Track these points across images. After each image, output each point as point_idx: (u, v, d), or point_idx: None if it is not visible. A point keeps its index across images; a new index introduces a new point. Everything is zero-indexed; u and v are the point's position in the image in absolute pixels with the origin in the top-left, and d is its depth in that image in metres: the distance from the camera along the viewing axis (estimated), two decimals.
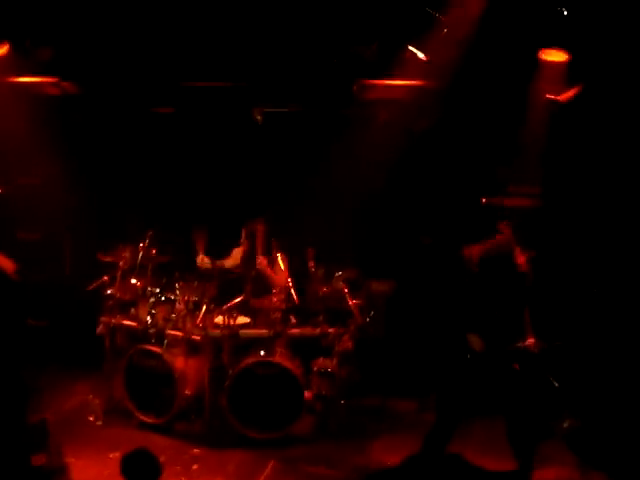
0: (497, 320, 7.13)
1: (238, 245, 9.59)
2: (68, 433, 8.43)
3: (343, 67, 9.10)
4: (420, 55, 8.60)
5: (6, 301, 8.29)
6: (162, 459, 6.00)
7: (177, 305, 8.87)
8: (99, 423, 8.95)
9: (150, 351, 8.79)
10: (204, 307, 8.69)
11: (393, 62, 8.86)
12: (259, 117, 10.20)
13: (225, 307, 8.74)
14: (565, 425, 8.66)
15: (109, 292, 9.13)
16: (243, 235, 9.47)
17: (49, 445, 7.70)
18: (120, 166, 10.88)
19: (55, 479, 7.60)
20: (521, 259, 7.22)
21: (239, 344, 8.77)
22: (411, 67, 8.84)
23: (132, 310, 9.18)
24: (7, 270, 8.35)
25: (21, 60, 9.52)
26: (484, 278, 7.15)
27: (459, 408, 7.37)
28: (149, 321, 8.90)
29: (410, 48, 8.64)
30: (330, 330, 8.74)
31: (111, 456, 8.02)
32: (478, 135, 9.66)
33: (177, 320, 8.86)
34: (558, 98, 8.84)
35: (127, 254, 9.14)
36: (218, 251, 9.64)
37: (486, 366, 7.15)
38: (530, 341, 7.06)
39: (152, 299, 8.94)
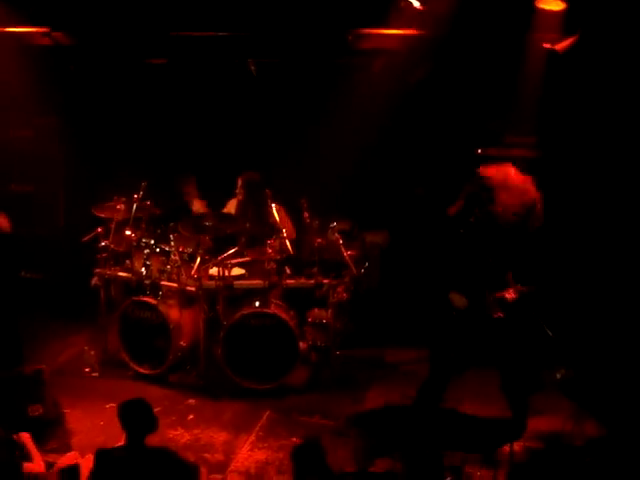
0: (481, 274, 7.09)
1: (233, 196, 9.57)
2: (64, 384, 8.53)
3: (338, 16, 9.00)
4: (415, 4, 8.50)
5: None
6: (158, 409, 6.09)
7: (172, 256, 8.85)
8: (95, 374, 9.00)
9: (145, 302, 8.81)
10: (199, 258, 8.68)
11: (388, 11, 8.77)
12: (253, 67, 10.10)
13: (220, 258, 8.73)
14: (558, 375, 8.72)
15: (103, 244, 9.12)
16: (238, 186, 9.44)
17: (45, 396, 7.77)
18: (114, 117, 10.80)
19: (51, 429, 7.68)
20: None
21: (234, 295, 8.80)
22: (406, 16, 8.75)
23: (127, 262, 9.16)
24: (1, 225, 8.33)
25: (11, 10, 9.42)
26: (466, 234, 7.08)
27: (451, 361, 7.40)
28: (144, 273, 8.91)
29: None
30: (325, 281, 8.72)
31: (107, 407, 8.09)
32: (474, 85, 9.59)
33: (172, 271, 8.86)
34: (555, 47, 8.76)
35: (121, 206, 9.12)
36: (212, 201, 9.65)
37: (473, 320, 7.14)
38: (509, 290, 7.03)
39: (147, 250, 8.92)
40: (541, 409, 7.76)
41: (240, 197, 9.46)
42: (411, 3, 8.54)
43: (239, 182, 9.42)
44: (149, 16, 9.40)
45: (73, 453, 6.66)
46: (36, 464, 6.33)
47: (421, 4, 8.52)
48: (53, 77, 10.49)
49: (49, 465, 6.37)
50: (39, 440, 7.08)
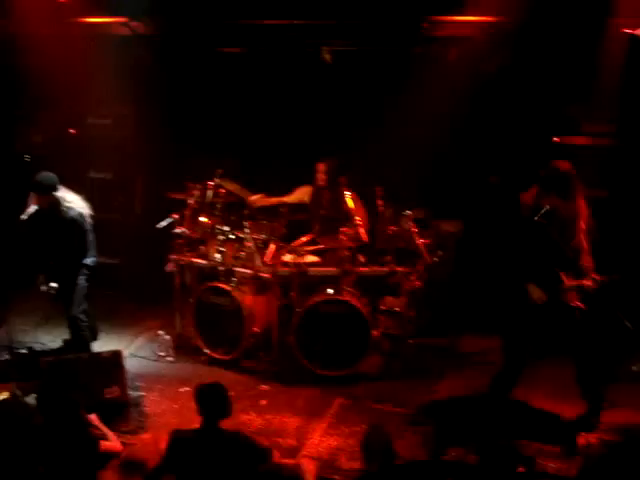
0: (557, 262, 7.01)
1: (303, 183, 9.59)
2: (139, 368, 8.68)
3: (413, 3, 8.95)
4: None
5: (79, 238, 8.41)
6: (231, 394, 6.10)
7: (246, 243, 8.93)
8: (169, 359, 9.12)
9: (219, 288, 8.88)
10: (273, 245, 8.72)
11: None
12: (328, 56, 10.10)
13: (294, 245, 8.76)
14: (635, 368, 8.58)
15: (179, 230, 9.23)
16: (316, 173, 9.45)
17: (121, 378, 7.91)
18: (190, 106, 10.89)
19: (127, 411, 7.81)
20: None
21: (307, 282, 8.83)
22: (483, 3, 8.67)
23: (201, 248, 9.27)
24: (82, 211, 8.44)
25: (90, 1, 9.59)
26: (539, 223, 7.00)
27: (525, 352, 7.33)
28: (218, 259, 8.99)
29: None
30: (398, 269, 8.72)
31: (181, 390, 8.22)
32: (551, 72, 9.44)
33: (246, 258, 8.94)
34: (635, 32, 8.59)
35: (197, 192, 9.22)
36: (282, 188, 9.67)
37: (550, 311, 7.07)
38: (587, 279, 6.95)
39: (221, 237, 8.99)
40: (617, 401, 7.65)
41: (316, 184, 9.47)
42: None
43: (316, 168, 9.43)
44: (225, 5, 9.49)
45: (147, 435, 6.78)
46: (113, 443, 6.47)
47: None
48: (130, 66, 10.62)
49: (124, 445, 6.50)
50: (115, 421, 7.28)
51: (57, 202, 8.21)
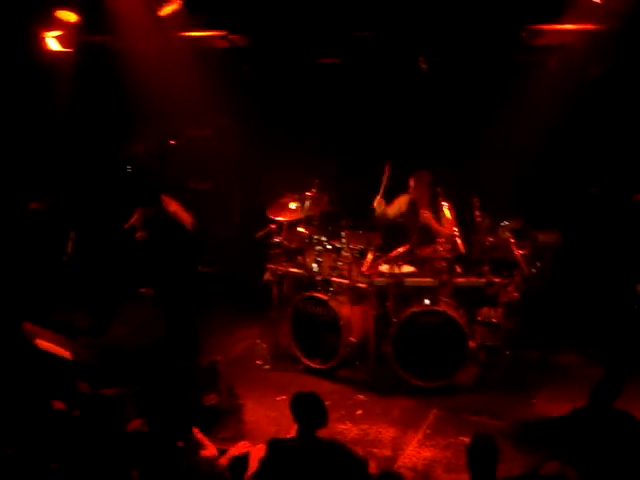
0: None
1: (404, 193, 9.58)
2: (237, 376, 8.79)
3: (511, 12, 8.87)
4: None
5: (182, 250, 8.60)
6: (327, 403, 6.11)
7: (343, 253, 8.98)
8: (266, 367, 9.24)
9: (316, 298, 8.96)
10: (370, 255, 8.75)
11: (564, 5, 8.57)
12: (425, 66, 10.08)
13: (390, 255, 8.77)
14: None
15: (276, 240, 9.35)
16: (410, 184, 9.44)
17: (220, 386, 8.02)
18: (287, 116, 11.00)
19: (225, 419, 7.92)
20: None
21: (404, 292, 8.83)
22: (583, 10, 8.52)
23: (299, 258, 9.37)
24: (185, 222, 8.66)
25: (192, 15, 9.76)
26: None
27: (628, 362, 7.19)
28: (315, 269, 9.07)
29: None
30: (496, 280, 8.66)
31: (278, 399, 8.32)
32: None
33: (343, 268, 8.99)
34: None
35: (294, 203, 9.30)
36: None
37: None
38: None
39: (318, 247, 9.09)
40: None
41: (412, 195, 9.47)
42: None
43: (411, 181, 9.43)
44: (322, 17, 9.55)
45: (244, 442, 6.85)
46: (209, 450, 6.55)
47: None
48: (229, 78, 10.79)
49: (221, 452, 6.58)
50: (213, 428, 7.39)
51: (160, 212, 8.42)
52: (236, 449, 6.64)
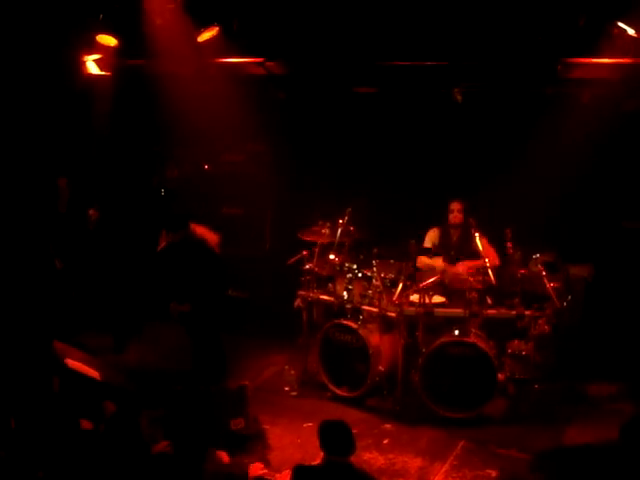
0: None
1: (433, 227, 9.59)
2: (264, 401, 8.79)
3: (547, 44, 8.88)
4: (630, 31, 8.27)
5: (209, 271, 8.65)
6: (354, 432, 6.08)
7: (374, 282, 8.98)
8: (294, 394, 9.23)
9: (346, 326, 8.96)
10: (400, 284, 8.74)
11: (600, 39, 8.57)
12: (459, 97, 10.10)
13: (421, 285, 8.76)
14: None
15: (307, 267, 9.37)
16: (448, 212, 9.44)
17: (247, 411, 8.02)
18: (321, 144, 11.07)
19: (251, 444, 7.90)
20: None
21: (433, 323, 8.81)
22: (619, 44, 8.51)
23: (329, 285, 9.38)
24: (212, 242, 8.74)
25: (229, 42, 9.86)
26: None
27: None
28: (346, 296, 9.07)
29: (619, 24, 8.33)
30: (526, 312, 8.60)
31: (304, 426, 8.30)
32: None
33: (373, 296, 8.99)
34: None
35: (326, 230, 9.34)
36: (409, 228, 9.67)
37: None
38: None
39: (349, 275, 9.09)
40: None
41: (446, 224, 9.50)
42: (625, 30, 8.31)
43: (451, 208, 9.44)
44: (358, 46, 9.61)
45: (258, 464, 6.87)
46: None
47: (636, 31, 8.27)
48: (264, 105, 10.88)
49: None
50: (239, 453, 7.38)
51: (188, 236, 8.52)
52: (252, 471, 6.66)
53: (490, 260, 8.80)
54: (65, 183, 10.46)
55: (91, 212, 10.71)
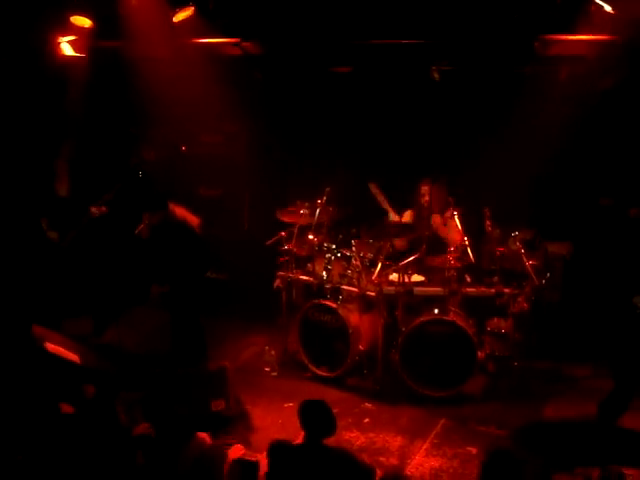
0: None
1: (413, 203, 9.60)
2: (244, 382, 8.80)
3: (524, 21, 8.86)
4: (607, 8, 8.26)
5: (192, 253, 8.62)
6: (334, 411, 6.09)
7: (353, 261, 8.98)
8: (274, 374, 9.25)
9: (325, 306, 8.96)
10: (379, 264, 8.74)
11: (577, 16, 8.56)
12: (436, 75, 10.08)
13: (400, 264, 8.76)
14: None
15: (286, 248, 9.35)
16: (419, 193, 9.45)
17: (228, 392, 8.02)
18: (298, 124, 11.03)
19: (233, 424, 7.91)
20: None
21: (413, 302, 8.83)
22: (596, 21, 8.50)
23: (308, 265, 9.40)
24: (193, 224, 8.70)
25: (205, 22, 9.79)
26: None
27: (635, 376, 7.16)
28: (325, 276, 9.07)
29: (596, 1, 8.32)
30: (505, 290, 8.64)
31: (285, 406, 8.34)
32: None
33: (352, 276, 8.99)
34: None
35: (304, 211, 9.32)
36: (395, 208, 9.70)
37: None
38: None
39: (328, 255, 9.09)
40: None
41: (424, 199, 9.48)
42: (602, 7, 8.29)
43: (424, 185, 9.44)
44: (334, 25, 9.56)
45: (238, 446, 6.85)
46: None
47: (612, 8, 8.26)
48: (241, 85, 10.82)
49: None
50: (220, 434, 7.37)
51: (168, 217, 8.47)
52: (232, 453, 6.65)
53: (468, 239, 8.81)
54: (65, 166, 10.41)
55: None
